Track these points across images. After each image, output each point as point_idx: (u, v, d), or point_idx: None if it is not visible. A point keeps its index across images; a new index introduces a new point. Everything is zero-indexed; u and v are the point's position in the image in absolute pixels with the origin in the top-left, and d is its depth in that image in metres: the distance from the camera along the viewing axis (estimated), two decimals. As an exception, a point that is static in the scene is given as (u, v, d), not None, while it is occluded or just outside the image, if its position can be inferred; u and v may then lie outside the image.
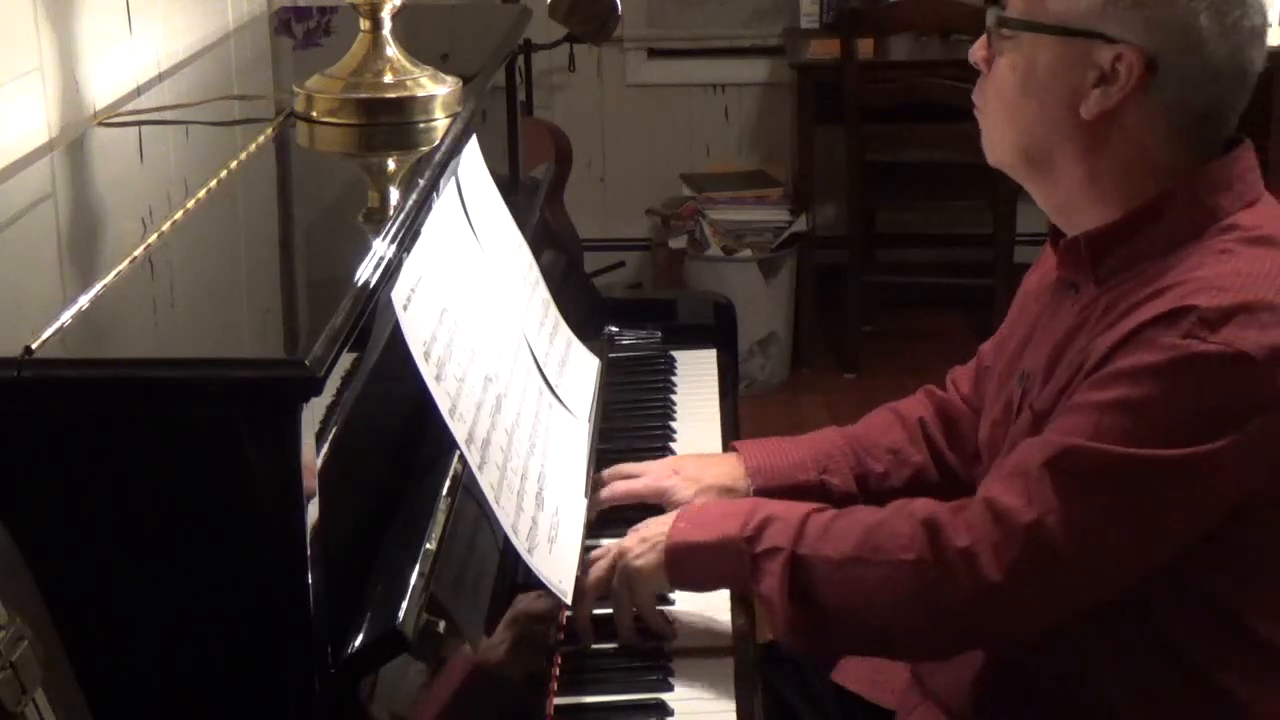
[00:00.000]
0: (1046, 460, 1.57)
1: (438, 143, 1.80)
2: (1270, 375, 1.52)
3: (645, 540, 1.76)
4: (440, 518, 1.53)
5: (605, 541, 1.86)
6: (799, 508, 1.72)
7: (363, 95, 1.86)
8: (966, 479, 1.92)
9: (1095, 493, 1.56)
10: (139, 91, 2.23)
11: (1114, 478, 1.55)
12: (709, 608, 1.80)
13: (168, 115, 2.05)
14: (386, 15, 1.90)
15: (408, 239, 1.55)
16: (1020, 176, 1.74)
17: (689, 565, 1.73)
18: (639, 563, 1.74)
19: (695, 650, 1.73)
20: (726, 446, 2.07)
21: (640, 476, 1.96)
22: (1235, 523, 1.59)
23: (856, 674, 1.92)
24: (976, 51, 1.72)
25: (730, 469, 1.96)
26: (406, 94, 1.87)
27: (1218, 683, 1.64)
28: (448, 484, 1.59)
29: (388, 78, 1.88)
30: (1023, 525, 1.56)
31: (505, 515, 1.59)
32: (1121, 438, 1.54)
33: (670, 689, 1.66)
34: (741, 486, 1.94)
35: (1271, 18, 5.44)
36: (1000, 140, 1.72)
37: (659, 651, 1.72)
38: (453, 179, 1.84)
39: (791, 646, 1.73)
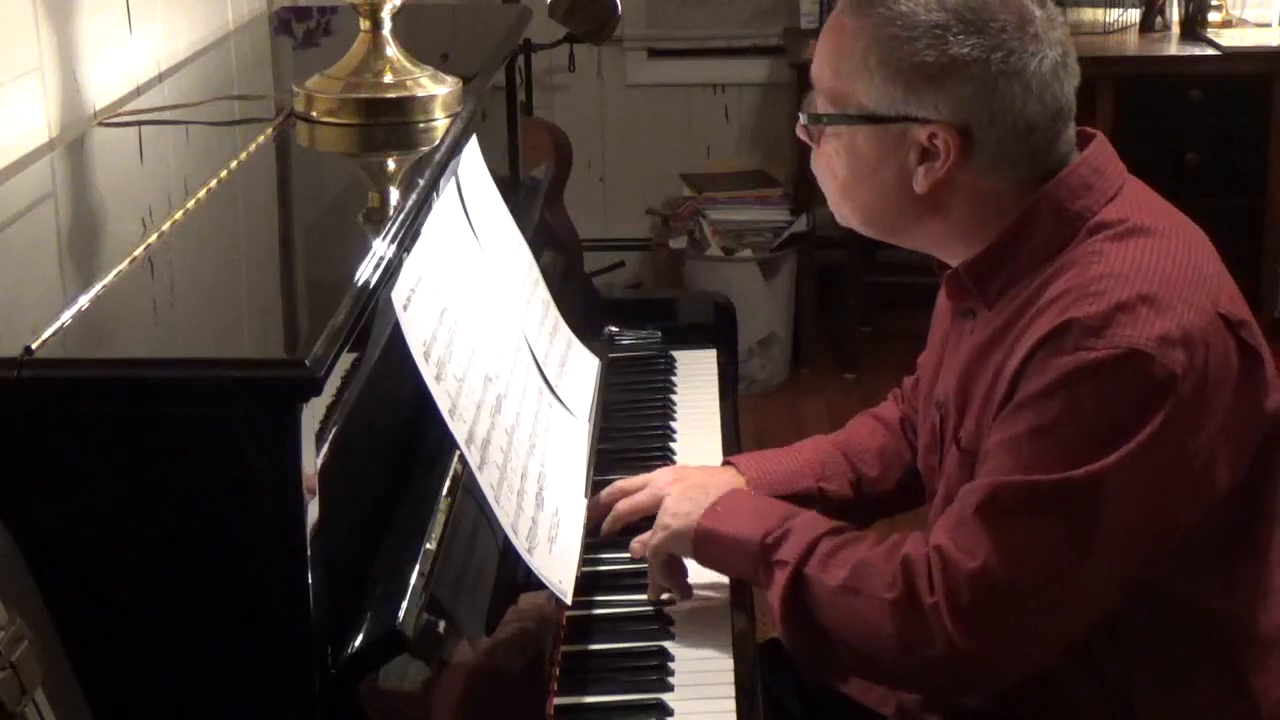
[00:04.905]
0: (978, 505, 1.57)
1: (438, 143, 1.80)
2: (1165, 362, 1.53)
3: (689, 503, 1.80)
4: (440, 518, 1.53)
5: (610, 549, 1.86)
6: (819, 525, 1.72)
7: (363, 95, 1.86)
8: None
9: (1027, 526, 1.55)
10: (139, 91, 2.23)
11: (1042, 506, 1.55)
12: (709, 608, 1.80)
13: (168, 115, 2.05)
14: (386, 15, 1.90)
15: (408, 239, 1.55)
16: (878, 238, 1.77)
17: (710, 550, 1.78)
18: (672, 527, 1.79)
19: (695, 650, 1.73)
20: (724, 458, 2.06)
21: (642, 489, 1.93)
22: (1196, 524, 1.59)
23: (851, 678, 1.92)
24: (800, 132, 1.74)
25: (732, 479, 1.94)
26: (406, 94, 1.87)
27: (1189, 677, 1.66)
28: (448, 484, 1.58)
29: (388, 78, 1.88)
30: (968, 574, 1.56)
31: (505, 515, 1.59)
32: (1041, 465, 1.55)
33: (670, 689, 1.66)
34: None
35: (1271, 16, 5.40)
36: (847, 213, 1.75)
37: (660, 651, 1.72)
38: (453, 179, 1.84)
39: (792, 655, 1.75)
